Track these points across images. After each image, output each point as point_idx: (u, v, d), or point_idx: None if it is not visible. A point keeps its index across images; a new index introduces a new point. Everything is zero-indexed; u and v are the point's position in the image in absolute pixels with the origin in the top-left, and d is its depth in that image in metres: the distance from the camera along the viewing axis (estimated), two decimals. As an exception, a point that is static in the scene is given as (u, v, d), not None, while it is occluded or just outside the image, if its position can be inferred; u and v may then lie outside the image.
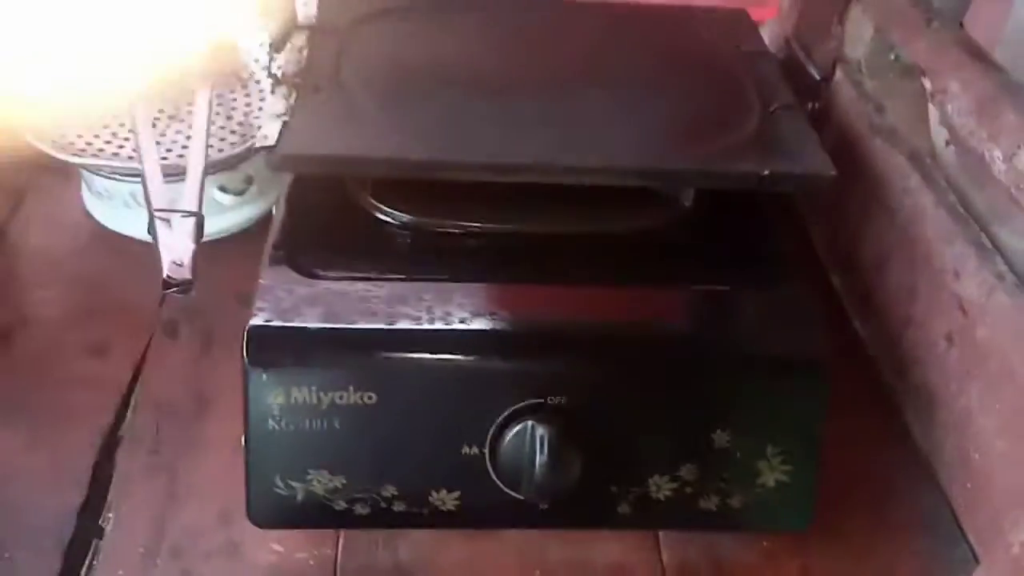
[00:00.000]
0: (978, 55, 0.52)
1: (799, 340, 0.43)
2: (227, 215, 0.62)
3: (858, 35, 0.71)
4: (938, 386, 0.52)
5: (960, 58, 0.51)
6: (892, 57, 0.75)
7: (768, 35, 0.70)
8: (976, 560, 0.48)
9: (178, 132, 0.63)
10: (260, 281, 0.43)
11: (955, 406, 0.50)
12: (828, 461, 0.45)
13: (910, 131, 0.58)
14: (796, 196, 0.69)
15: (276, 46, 0.50)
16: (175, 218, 0.49)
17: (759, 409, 0.42)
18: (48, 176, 0.68)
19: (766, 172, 0.45)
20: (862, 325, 0.61)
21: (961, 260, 0.50)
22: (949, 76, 0.52)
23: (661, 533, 0.48)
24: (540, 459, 0.40)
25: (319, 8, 0.57)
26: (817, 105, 0.51)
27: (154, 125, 0.63)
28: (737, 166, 0.46)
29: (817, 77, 0.52)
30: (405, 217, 0.48)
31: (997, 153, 0.47)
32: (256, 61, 0.67)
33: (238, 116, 0.64)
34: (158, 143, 0.62)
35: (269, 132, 0.45)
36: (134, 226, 0.61)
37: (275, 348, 0.41)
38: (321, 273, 0.44)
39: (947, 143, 0.58)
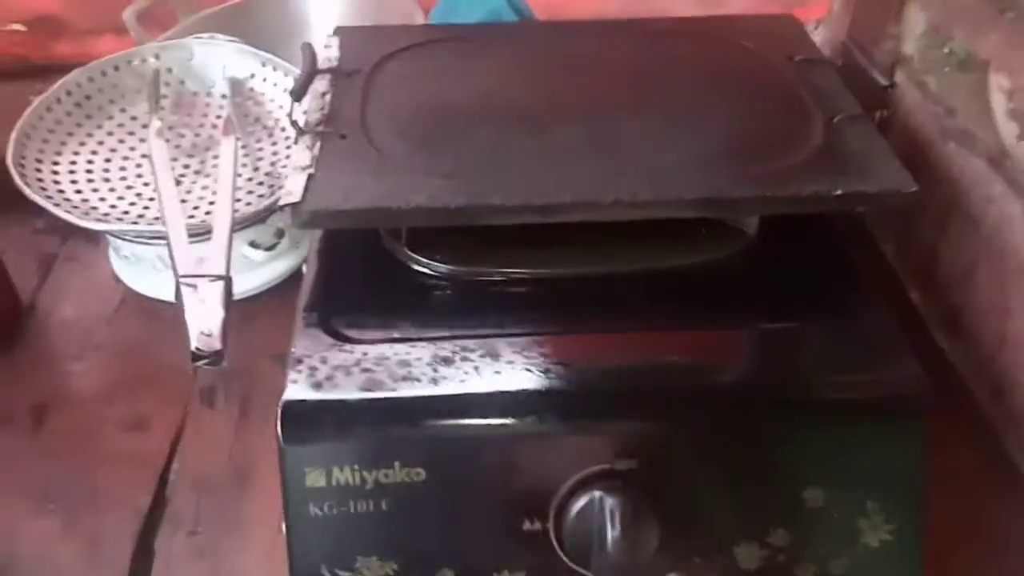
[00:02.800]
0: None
1: (893, 377, 0.39)
2: (259, 271, 0.59)
3: (908, 29, 0.66)
4: (1044, 411, 0.47)
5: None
6: (946, 51, 0.70)
7: (820, 40, 0.66)
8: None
9: (204, 188, 0.61)
10: (292, 350, 0.40)
11: (1069, 436, 0.45)
12: (929, 505, 0.40)
13: (986, 133, 0.53)
14: (868, 214, 0.64)
15: (297, 93, 0.47)
16: (202, 283, 0.46)
17: (854, 460, 0.38)
18: (77, 243, 0.66)
19: (839, 192, 0.41)
20: (949, 346, 0.56)
21: (1061, 272, 0.45)
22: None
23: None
24: (612, 533, 0.36)
25: (341, 49, 0.55)
26: (886, 113, 0.46)
27: (178, 183, 0.61)
28: (806, 187, 0.41)
29: (883, 83, 0.48)
30: (444, 267, 0.44)
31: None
32: (280, 107, 0.65)
33: (265, 166, 0.62)
34: (184, 201, 0.59)
35: (294, 187, 0.42)
36: (164, 289, 0.59)
37: (312, 424, 0.37)
38: (357, 336, 0.41)
39: (1019, 138, 0.53)
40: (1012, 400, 0.50)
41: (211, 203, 0.58)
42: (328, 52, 0.54)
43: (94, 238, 0.66)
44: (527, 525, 0.38)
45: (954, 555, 0.45)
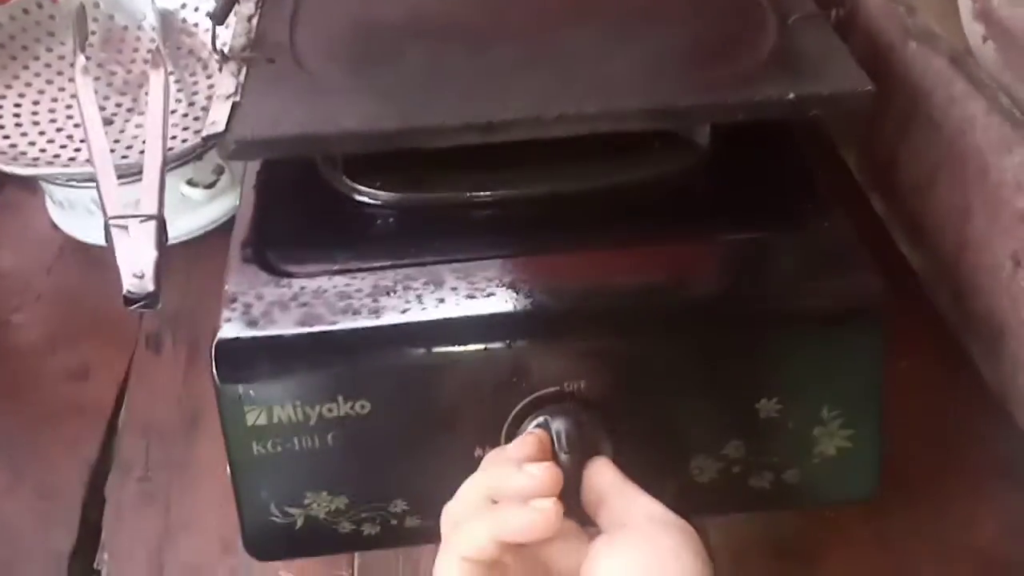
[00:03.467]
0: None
1: (848, 284, 0.37)
2: (200, 211, 0.57)
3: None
4: (1006, 313, 0.46)
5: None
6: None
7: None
8: (1068, 505, 0.43)
9: (138, 127, 0.58)
10: (226, 287, 0.38)
11: (1029, 336, 0.45)
12: (889, 406, 0.39)
13: (949, 31, 0.51)
14: (826, 118, 0.62)
15: (218, 16, 0.44)
16: (134, 223, 0.44)
17: (810, 369, 0.37)
18: (12, 191, 0.63)
19: (792, 96, 0.39)
20: (910, 252, 0.55)
21: (1022, 170, 0.44)
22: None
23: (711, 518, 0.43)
24: (562, 453, 0.35)
25: (269, -30, 0.51)
26: (841, 12, 0.44)
27: (111, 122, 0.58)
28: (758, 92, 0.39)
29: (838, -22, 0.45)
30: (384, 195, 0.42)
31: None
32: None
33: (201, 100, 0.59)
34: (117, 141, 0.57)
35: (217, 116, 0.40)
36: (102, 234, 0.56)
37: (249, 362, 0.36)
38: (295, 270, 0.39)
39: (984, 39, 0.51)
40: (972, 303, 0.49)
41: (144, 142, 0.55)
42: (255, -26, 0.51)
43: (30, 186, 0.63)
44: (478, 451, 0.37)
45: (915, 459, 0.45)
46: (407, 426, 0.37)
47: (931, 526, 0.43)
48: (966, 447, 0.46)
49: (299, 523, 0.38)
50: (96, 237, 0.58)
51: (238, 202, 0.57)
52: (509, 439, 0.37)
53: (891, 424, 0.39)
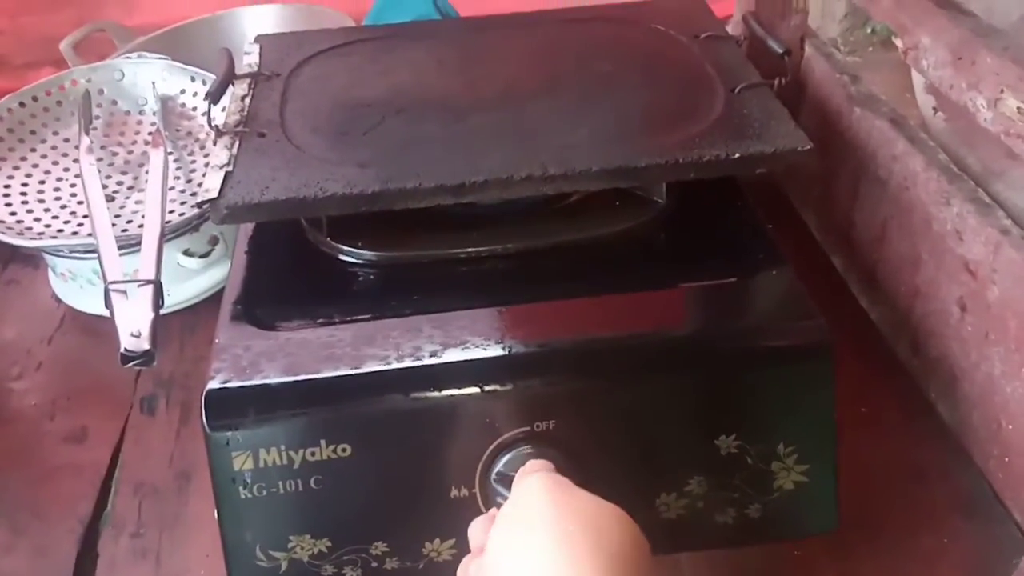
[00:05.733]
0: (946, 3, 0.49)
1: (797, 323, 0.40)
2: (196, 280, 0.60)
3: (830, 12, 0.69)
4: (957, 356, 0.49)
5: (928, 8, 0.49)
6: (869, 31, 0.73)
7: (732, 24, 0.68)
8: (1026, 537, 0.44)
9: (138, 203, 0.61)
10: (216, 340, 0.41)
11: (977, 375, 0.47)
12: (852, 450, 0.41)
13: (891, 97, 0.56)
14: (781, 180, 0.66)
15: (213, 96, 0.48)
16: (131, 288, 0.47)
17: (764, 406, 0.39)
18: (16, 267, 0.67)
19: (736, 155, 0.43)
20: (869, 305, 0.58)
21: (961, 220, 0.47)
22: (920, 29, 0.49)
23: (683, 556, 0.44)
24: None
25: (261, 56, 0.56)
26: (784, 80, 0.48)
27: (112, 199, 0.61)
28: (707, 153, 0.43)
29: (779, 51, 0.50)
30: (366, 254, 0.45)
31: (981, 101, 0.44)
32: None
33: (197, 178, 0.63)
34: (118, 216, 0.60)
35: (211, 184, 0.43)
36: (102, 304, 0.59)
37: (236, 410, 0.38)
38: (281, 324, 0.41)
39: (935, 110, 0.56)
40: (929, 348, 0.51)
41: (144, 216, 0.59)
42: (249, 59, 0.55)
43: (33, 262, 0.66)
44: (454, 492, 0.39)
45: (877, 498, 0.47)
46: (386, 469, 0.39)
47: (895, 562, 0.45)
48: (928, 485, 0.48)
49: (283, 567, 0.39)
50: (95, 307, 0.61)
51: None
52: (483, 479, 0.39)
53: (853, 465, 0.41)
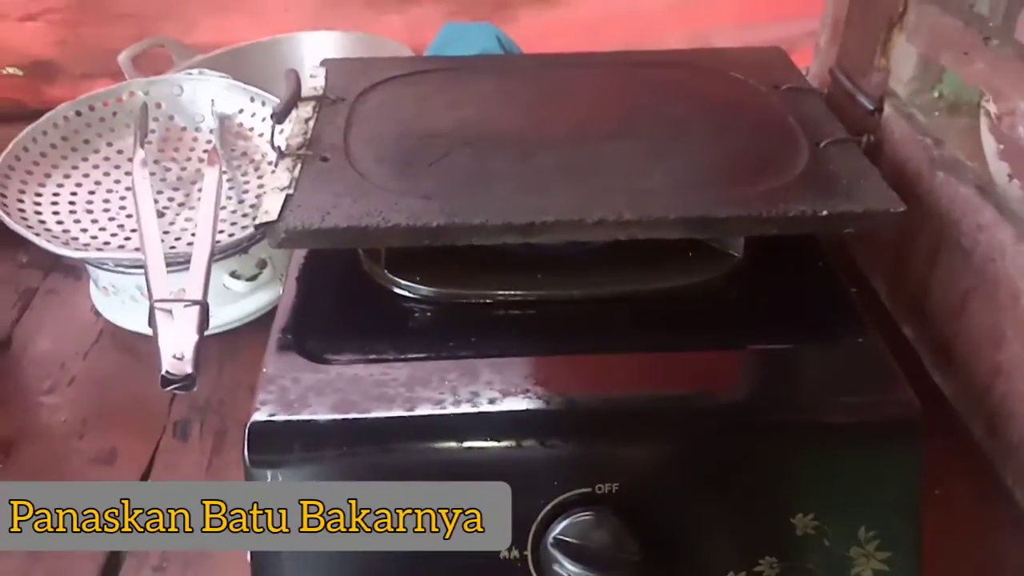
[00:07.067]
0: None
1: (886, 400, 0.37)
2: (241, 303, 0.58)
3: (896, 73, 0.67)
4: (1043, 443, 0.46)
5: (1027, 74, 0.46)
6: (936, 95, 0.71)
7: (809, 77, 0.66)
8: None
9: (188, 220, 0.60)
10: (264, 370, 0.38)
11: (1069, 465, 0.44)
12: (926, 538, 0.38)
13: (975, 161, 0.53)
14: (850, 241, 0.63)
15: (278, 116, 0.46)
16: (177, 308, 0.45)
17: (847, 486, 0.36)
18: (57, 277, 0.65)
19: (824, 212, 0.40)
20: (943, 379, 0.54)
21: (1055, 298, 0.44)
22: (1018, 95, 0.47)
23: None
24: (592, 561, 0.34)
25: (327, 79, 0.54)
26: (872, 138, 0.46)
27: (162, 215, 0.60)
28: (792, 208, 0.41)
29: (869, 107, 0.47)
30: (424, 290, 0.43)
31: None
32: (268, 142, 0.64)
33: (250, 199, 0.61)
34: (167, 232, 0.59)
35: (271, 206, 0.41)
36: (142, 322, 0.57)
37: (281, 445, 0.36)
38: (332, 357, 0.39)
39: (1010, 177, 0.53)
40: (1008, 430, 0.48)
41: (193, 234, 0.57)
42: (314, 82, 0.54)
43: (74, 272, 0.65)
44: (504, 554, 0.36)
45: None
46: (434, 520, 0.36)
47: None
48: (1001, 573, 0.45)
49: (316, 616, 0.37)
50: (136, 324, 0.59)
51: (277, 295, 0.59)
52: (537, 541, 0.36)
53: (927, 549, 0.38)
